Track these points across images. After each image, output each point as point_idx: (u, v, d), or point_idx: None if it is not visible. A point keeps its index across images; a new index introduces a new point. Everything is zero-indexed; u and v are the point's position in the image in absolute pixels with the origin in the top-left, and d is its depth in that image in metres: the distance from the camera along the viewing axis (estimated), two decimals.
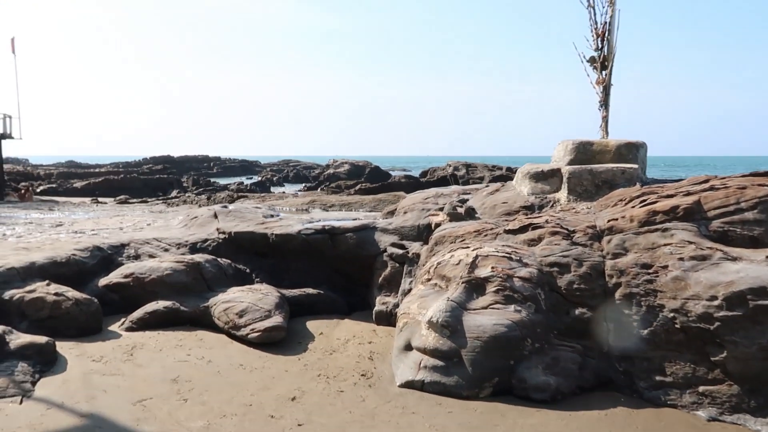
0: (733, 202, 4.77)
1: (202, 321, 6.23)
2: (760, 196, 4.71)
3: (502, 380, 4.48)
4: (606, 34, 6.65)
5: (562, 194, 6.36)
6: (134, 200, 20.80)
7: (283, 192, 26.93)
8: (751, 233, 4.62)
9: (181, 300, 6.40)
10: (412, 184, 25.48)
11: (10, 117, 21.84)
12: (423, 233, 6.76)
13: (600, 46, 6.77)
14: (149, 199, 21.25)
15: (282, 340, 5.73)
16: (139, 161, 53.62)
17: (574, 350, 4.65)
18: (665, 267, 4.52)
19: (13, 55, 22.44)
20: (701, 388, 4.20)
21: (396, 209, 7.80)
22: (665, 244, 4.66)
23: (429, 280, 5.41)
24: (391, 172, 41.53)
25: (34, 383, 4.61)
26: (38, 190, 25.74)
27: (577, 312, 4.76)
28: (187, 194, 23.81)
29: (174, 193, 25.28)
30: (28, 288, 6.06)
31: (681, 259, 4.49)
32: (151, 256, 7.36)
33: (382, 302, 6.52)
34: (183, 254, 7.44)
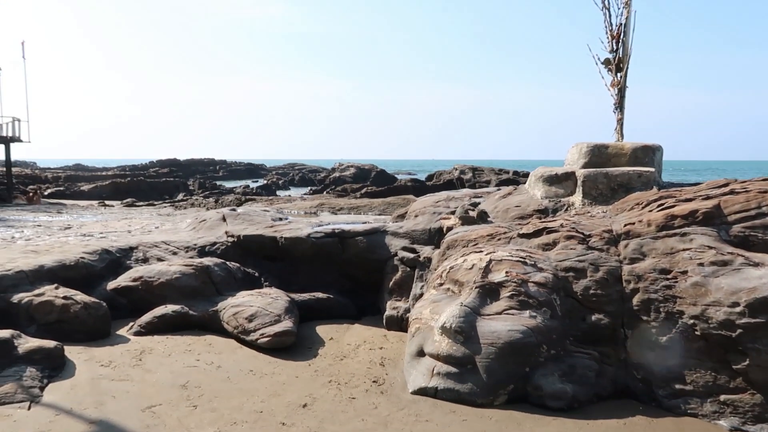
0: (755, 206, 4.67)
1: (211, 325, 6.17)
2: None
3: (517, 388, 4.39)
4: (621, 36, 6.57)
5: (577, 198, 6.27)
6: (141, 203, 20.82)
7: (289, 195, 26.92)
8: None
9: (190, 304, 6.35)
10: (418, 188, 25.42)
11: (18, 120, 21.96)
12: (434, 237, 6.68)
13: (615, 48, 6.68)
14: (156, 202, 21.26)
15: (292, 346, 5.66)
16: (146, 164, 53.85)
17: (590, 357, 4.55)
18: (684, 272, 4.43)
19: (23, 59, 22.58)
20: (723, 397, 4.09)
21: (406, 213, 7.72)
22: (684, 249, 4.56)
23: (441, 284, 5.33)
24: (396, 176, 41.48)
25: (42, 388, 4.56)
26: (46, 193, 25.84)
27: (593, 318, 4.66)
28: (194, 197, 23.82)
29: (180, 197, 25.30)
30: (36, 291, 6.03)
31: (701, 264, 4.39)
32: (160, 260, 7.32)
33: (392, 307, 6.44)
34: (192, 258, 7.40)
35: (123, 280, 6.76)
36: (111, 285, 6.73)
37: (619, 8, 6.64)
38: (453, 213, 6.79)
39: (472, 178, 30.69)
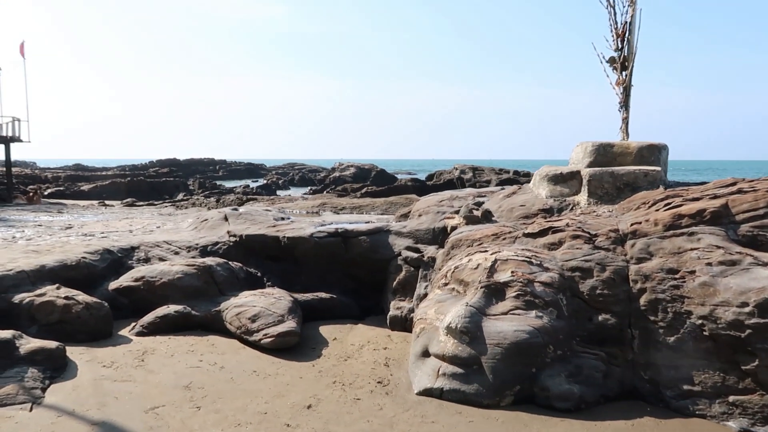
0: (763, 205, 4.63)
1: (214, 326, 6.13)
2: None
3: (523, 388, 4.35)
4: (626, 34, 6.53)
5: (582, 197, 6.23)
6: (141, 203, 20.77)
7: (289, 195, 26.88)
8: None
9: (192, 304, 6.31)
10: (418, 188, 25.37)
11: (18, 120, 21.91)
12: (438, 236, 6.64)
13: (620, 46, 6.64)
14: (156, 202, 21.21)
15: (295, 346, 5.61)
16: (146, 164, 53.79)
17: (597, 358, 4.51)
18: (692, 272, 4.39)
19: (22, 59, 22.52)
20: (731, 398, 4.05)
21: (409, 212, 7.68)
22: (692, 249, 4.53)
23: (446, 284, 5.29)
24: (396, 176, 41.41)
25: (44, 389, 4.51)
26: (46, 193, 25.79)
27: (600, 318, 4.62)
28: (195, 197, 23.77)
29: (180, 196, 25.25)
30: (38, 291, 5.98)
31: (709, 264, 4.36)
32: (162, 260, 7.27)
33: (396, 307, 6.40)
34: (194, 257, 7.35)
35: (125, 280, 6.72)
36: (113, 285, 6.69)
37: (624, 6, 6.60)
38: (457, 212, 6.75)
39: (473, 177, 30.64)
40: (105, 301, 6.13)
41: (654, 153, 6.44)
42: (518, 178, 28.56)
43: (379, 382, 4.79)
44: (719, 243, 4.48)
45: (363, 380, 4.84)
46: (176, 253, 7.55)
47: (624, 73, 6.67)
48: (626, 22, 6.58)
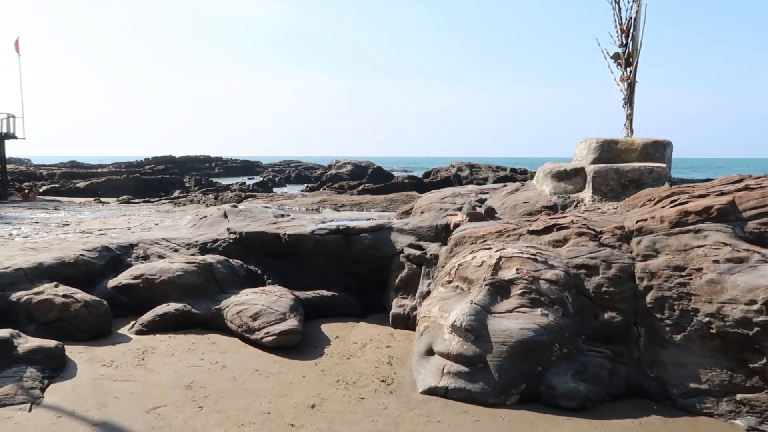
0: None
1: (214, 324, 6.07)
2: None
3: (529, 387, 4.31)
4: (631, 30, 6.48)
5: (587, 194, 6.18)
6: (137, 200, 20.65)
7: (286, 192, 26.76)
8: None
9: (192, 302, 6.24)
10: (415, 185, 25.34)
11: (13, 117, 21.73)
12: (441, 234, 6.59)
13: (624, 42, 6.59)
14: (152, 199, 21.10)
15: (297, 344, 5.56)
16: (141, 161, 53.53)
17: (603, 356, 4.47)
18: (699, 269, 4.35)
19: (17, 55, 22.32)
20: (739, 396, 4.02)
21: (411, 209, 7.63)
22: (699, 246, 4.49)
23: (450, 282, 5.24)
24: (393, 173, 41.33)
25: (43, 389, 4.44)
26: (41, 190, 25.61)
27: (606, 316, 4.58)
28: (193, 194, 23.65)
29: (176, 194, 25.12)
30: (36, 289, 5.90)
31: (716, 261, 4.32)
32: (161, 257, 7.20)
33: (399, 305, 6.35)
34: (193, 255, 7.28)
35: (124, 277, 6.65)
36: (112, 283, 6.62)
37: (629, 2, 6.55)
38: (460, 209, 6.70)
39: (470, 175, 30.56)
40: (104, 299, 6.05)
41: (659, 149, 6.40)
42: (515, 175, 28.51)
43: (383, 381, 4.74)
44: (726, 240, 4.44)
45: (366, 379, 4.79)
46: (175, 251, 7.48)
47: (628, 69, 6.62)
48: (631, 18, 6.53)
